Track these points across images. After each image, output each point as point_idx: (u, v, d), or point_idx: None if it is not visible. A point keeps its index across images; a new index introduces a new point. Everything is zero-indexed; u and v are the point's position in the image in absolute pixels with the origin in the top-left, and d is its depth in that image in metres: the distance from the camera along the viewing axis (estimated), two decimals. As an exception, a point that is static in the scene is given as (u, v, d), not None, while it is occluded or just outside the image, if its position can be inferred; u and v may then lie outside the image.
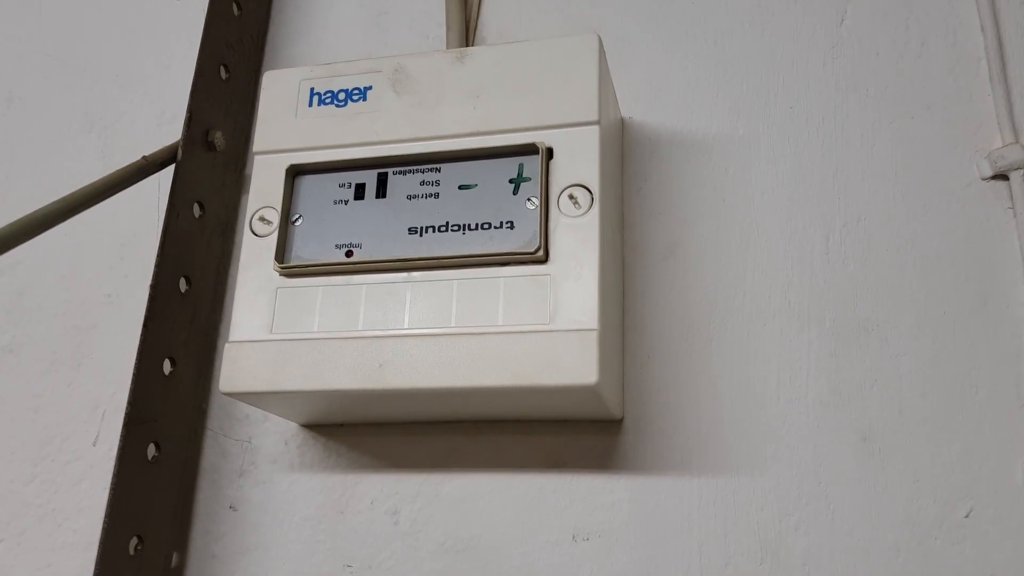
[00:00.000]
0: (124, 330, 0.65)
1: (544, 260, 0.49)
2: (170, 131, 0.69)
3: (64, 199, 0.53)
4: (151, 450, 0.57)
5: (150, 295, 0.57)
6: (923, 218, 0.56)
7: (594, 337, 0.47)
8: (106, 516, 0.53)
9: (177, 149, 0.60)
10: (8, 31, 0.80)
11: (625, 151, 0.62)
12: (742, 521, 0.52)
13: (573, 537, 0.54)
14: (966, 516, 0.50)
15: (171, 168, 0.60)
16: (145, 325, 0.56)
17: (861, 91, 0.59)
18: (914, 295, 0.54)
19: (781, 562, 0.51)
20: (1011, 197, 0.55)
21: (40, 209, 0.52)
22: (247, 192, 0.56)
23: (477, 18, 0.66)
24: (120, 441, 0.54)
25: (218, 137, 0.63)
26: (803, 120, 0.59)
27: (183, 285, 0.59)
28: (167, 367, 0.58)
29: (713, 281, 0.57)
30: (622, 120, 0.62)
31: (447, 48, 0.63)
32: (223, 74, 0.65)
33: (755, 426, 0.54)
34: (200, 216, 0.61)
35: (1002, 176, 0.55)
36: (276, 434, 0.60)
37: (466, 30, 0.64)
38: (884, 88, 0.59)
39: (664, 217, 0.59)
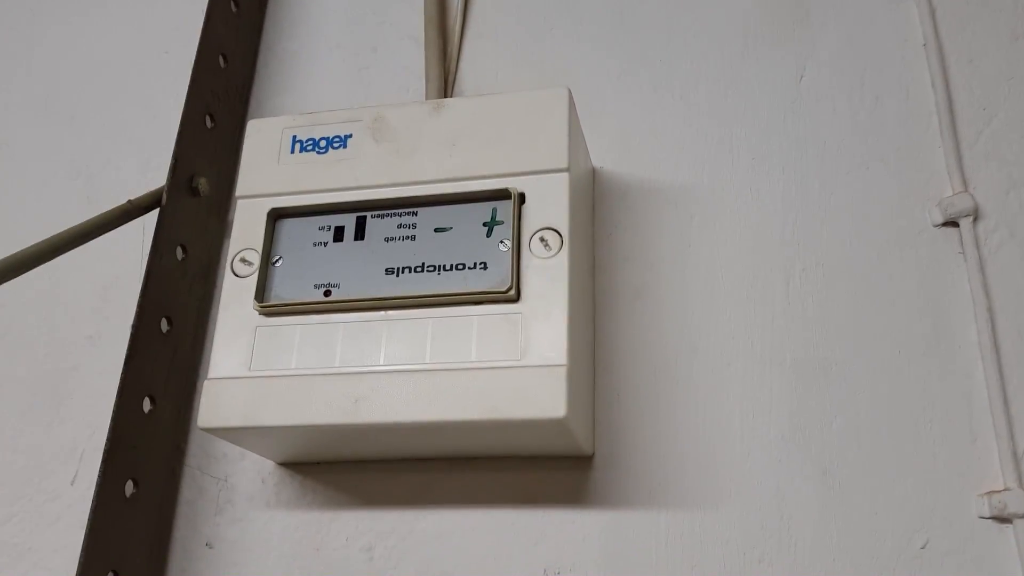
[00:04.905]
0: (105, 371, 0.66)
1: (516, 299, 0.51)
2: (156, 178, 0.71)
3: (49, 240, 0.55)
4: (129, 487, 0.57)
5: (131, 334, 0.58)
6: (878, 263, 0.58)
7: (563, 372, 0.48)
8: (82, 553, 0.53)
9: (162, 194, 0.62)
10: (-2, 82, 0.83)
11: (596, 199, 0.64)
12: (708, 555, 0.54)
13: (545, 571, 0.55)
14: (922, 547, 0.51)
15: (155, 212, 0.62)
16: (126, 363, 0.57)
17: (819, 143, 0.62)
18: (870, 336, 0.56)
19: (746, 595, 0.53)
20: (961, 243, 0.57)
21: (25, 249, 0.53)
22: (229, 237, 0.58)
23: (455, 72, 0.69)
24: (99, 477, 0.55)
25: (202, 183, 0.65)
26: (764, 171, 0.62)
27: (164, 325, 0.61)
28: (147, 405, 0.59)
29: (679, 323, 0.59)
30: (593, 170, 0.64)
31: (426, 100, 0.66)
32: (208, 123, 0.67)
33: (720, 462, 0.55)
34: (183, 259, 0.63)
35: (952, 223, 0.58)
36: (253, 472, 0.61)
37: (444, 83, 0.67)
38: (841, 140, 0.62)
39: (633, 262, 0.62)
